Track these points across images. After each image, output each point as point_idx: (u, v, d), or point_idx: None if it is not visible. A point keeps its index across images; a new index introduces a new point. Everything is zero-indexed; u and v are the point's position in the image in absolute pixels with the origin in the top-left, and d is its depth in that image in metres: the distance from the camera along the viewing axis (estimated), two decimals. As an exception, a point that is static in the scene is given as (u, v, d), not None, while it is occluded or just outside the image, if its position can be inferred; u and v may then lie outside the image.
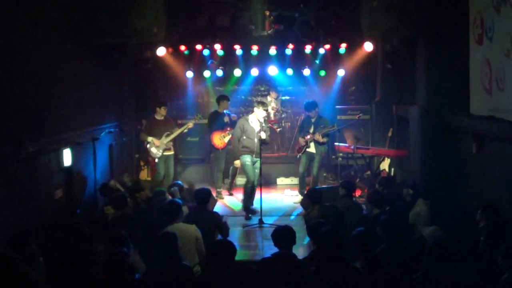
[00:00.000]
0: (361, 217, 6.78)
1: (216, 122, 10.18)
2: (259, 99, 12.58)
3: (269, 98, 12.21)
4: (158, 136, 9.49)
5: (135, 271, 4.40)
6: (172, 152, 9.82)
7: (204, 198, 6.74)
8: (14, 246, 4.74)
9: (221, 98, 10.34)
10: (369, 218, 6.50)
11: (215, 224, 6.60)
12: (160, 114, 9.66)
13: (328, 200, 7.33)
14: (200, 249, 5.75)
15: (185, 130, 9.89)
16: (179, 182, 8.46)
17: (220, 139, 10.05)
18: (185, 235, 5.56)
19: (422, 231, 5.89)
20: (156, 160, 9.60)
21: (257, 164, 8.74)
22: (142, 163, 10.96)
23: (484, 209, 5.62)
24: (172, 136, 9.62)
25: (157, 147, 9.46)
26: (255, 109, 8.83)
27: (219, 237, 6.66)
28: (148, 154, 9.76)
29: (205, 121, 11.82)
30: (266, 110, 8.94)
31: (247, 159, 8.73)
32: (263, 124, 8.69)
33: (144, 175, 10.77)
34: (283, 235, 5.07)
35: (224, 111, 10.33)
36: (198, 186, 8.50)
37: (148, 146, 9.52)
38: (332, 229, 4.62)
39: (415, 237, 5.57)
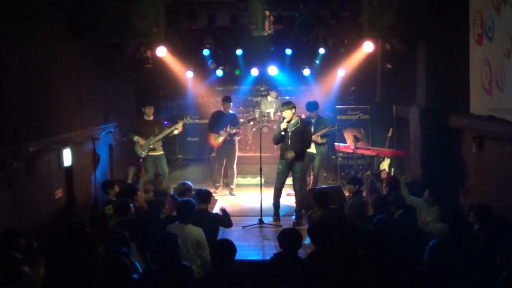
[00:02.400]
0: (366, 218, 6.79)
1: (219, 122, 10.21)
2: (259, 99, 12.61)
3: (269, 98, 12.21)
4: (146, 136, 9.42)
5: (133, 271, 4.40)
6: (160, 152, 9.61)
7: (205, 198, 6.78)
8: (6, 245, 4.73)
9: (225, 99, 10.39)
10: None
11: (218, 223, 6.76)
12: (147, 114, 9.57)
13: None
14: (200, 254, 5.67)
15: (175, 132, 9.60)
16: (187, 182, 8.26)
17: (214, 139, 10.20)
18: (186, 236, 5.57)
19: (429, 226, 5.92)
20: (141, 160, 9.55)
21: (296, 168, 8.32)
22: (137, 162, 10.91)
23: (475, 211, 5.60)
24: (158, 137, 9.45)
25: (141, 146, 9.38)
26: (283, 113, 8.23)
27: (220, 236, 6.67)
28: (133, 154, 9.70)
29: (204, 121, 11.85)
30: (294, 107, 8.24)
31: (279, 166, 8.44)
32: (296, 123, 8.26)
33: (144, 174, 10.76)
34: (290, 237, 5.07)
35: (230, 112, 10.41)
36: (197, 186, 8.49)
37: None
38: (355, 226, 4.62)
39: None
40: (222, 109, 10.40)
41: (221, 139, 10.10)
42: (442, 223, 5.89)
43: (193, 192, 7.41)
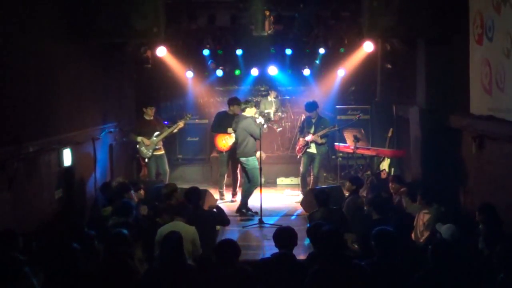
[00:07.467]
0: (364, 217, 6.78)
1: (223, 123, 9.71)
2: (259, 99, 12.62)
3: (269, 98, 12.22)
4: (148, 136, 9.44)
5: (138, 271, 4.39)
6: (162, 152, 9.70)
7: (196, 198, 6.76)
8: (4, 245, 4.71)
9: (234, 101, 9.69)
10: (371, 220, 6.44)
11: (214, 220, 6.72)
12: (148, 114, 9.60)
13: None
14: (196, 251, 5.71)
15: (175, 130, 9.70)
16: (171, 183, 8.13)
17: (223, 142, 9.74)
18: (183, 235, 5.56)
19: (437, 227, 5.91)
20: (146, 160, 9.56)
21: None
22: (142, 163, 10.94)
23: (481, 209, 5.61)
24: (162, 136, 9.50)
25: (146, 146, 9.41)
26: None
27: (219, 236, 6.67)
28: (138, 154, 9.70)
29: (204, 121, 11.86)
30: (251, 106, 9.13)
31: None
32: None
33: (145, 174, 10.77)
34: (284, 236, 5.07)
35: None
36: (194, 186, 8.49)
37: (138, 146, 9.50)
38: (333, 228, 4.61)
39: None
40: (227, 111, 9.83)
41: (230, 142, 9.54)
42: (451, 224, 5.86)
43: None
